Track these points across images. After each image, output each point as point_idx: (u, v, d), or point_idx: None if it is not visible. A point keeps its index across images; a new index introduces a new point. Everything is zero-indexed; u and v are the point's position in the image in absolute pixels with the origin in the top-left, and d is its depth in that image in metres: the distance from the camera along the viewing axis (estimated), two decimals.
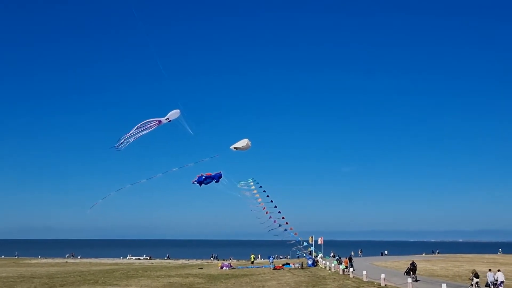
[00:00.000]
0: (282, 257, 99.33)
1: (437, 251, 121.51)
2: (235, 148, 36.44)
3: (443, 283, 35.46)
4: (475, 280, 35.49)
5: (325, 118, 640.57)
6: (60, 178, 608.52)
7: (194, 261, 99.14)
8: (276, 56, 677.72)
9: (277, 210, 62.96)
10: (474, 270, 37.07)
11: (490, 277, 35.78)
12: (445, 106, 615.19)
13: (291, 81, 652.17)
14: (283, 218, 63.20)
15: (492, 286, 35.23)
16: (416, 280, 42.09)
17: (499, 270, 36.34)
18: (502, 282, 34.94)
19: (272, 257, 78.48)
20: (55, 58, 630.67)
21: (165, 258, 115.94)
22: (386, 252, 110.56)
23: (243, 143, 36.71)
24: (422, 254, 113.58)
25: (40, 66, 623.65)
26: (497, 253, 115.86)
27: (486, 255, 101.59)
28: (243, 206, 60.57)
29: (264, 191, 62.55)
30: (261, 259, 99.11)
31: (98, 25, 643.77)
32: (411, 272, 44.13)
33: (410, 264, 46.28)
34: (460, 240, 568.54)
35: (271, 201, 62.74)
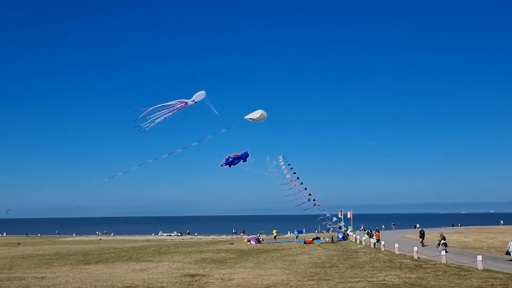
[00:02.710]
0: (317, 231, 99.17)
1: (458, 224, 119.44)
2: (250, 118, 35.71)
3: (478, 255, 35.05)
4: (442, 241, 43.94)
5: (350, 93, 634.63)
6: (89, 157, 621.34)
7: (224, 237, 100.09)
8: (303, 33, 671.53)
9: (303, 187, 62.74)
10: (441, 234, 46.29)
11: (511, 246, 36.90)
12: (469, 80, 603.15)
13: (319, 57, 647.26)
14: (310, 194, 62.97)
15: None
16: (424, 245, 50.00)
17: None
18: None
19: (298, 231, 77.98)
20: (76, 34, 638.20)
21: (187, 233, 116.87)
22: (418, 225, 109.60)
23: (257, 114, 35.94)
24: (441, 227, 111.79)
25: (69, 41, 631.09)
26: (499, 225, 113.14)
27: None
28: (270, 182, 60.50)
29: (291, 168, 62.54)
30: (290, 234, 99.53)
31: (118, 3, 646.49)
32: (421, 239, 52.71)
33: (420, 232, 54.99)
34: (492, 211, 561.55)
35: (297, 178, 62.60)
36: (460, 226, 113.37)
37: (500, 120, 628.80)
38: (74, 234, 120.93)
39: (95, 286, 26.00)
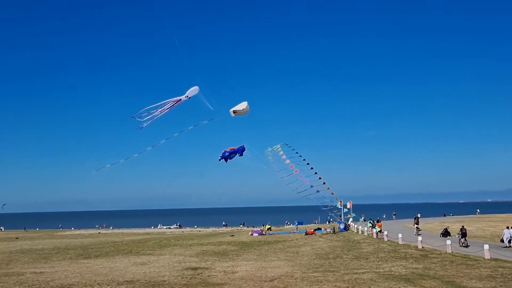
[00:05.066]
0: (316, 221, 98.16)
1: (451, 214, 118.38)
2: (234, 111, 34.49)
3: (483, 243, 34.56)
4: (416, 225, 55.23)
5: (348, 83, 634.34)
6: (86, 152, 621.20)
7: (224, 229, 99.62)
8: (299, 23, 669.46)
9: (312, 172, 62.46)
10: (417, 218, 60.18)
11: (506, 234, 37.96)
12: (467, 68, 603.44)
13: (316, 48, 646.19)
14: (320, 178, 62.65)
15: (507, 241, 37.39)
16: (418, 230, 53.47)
17: None
18: None
19: (298, 222, 76.68)
20: (67, 33, 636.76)
21: (178, 226, 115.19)
22: (419, 215, 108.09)
23: (243, 105, 34.79)
24: (430, 217, 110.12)
25: (61, 40, 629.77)
26: (476, 213, 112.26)
27: None
28: (269, 173, 60.08)
29: (297, 152, 62.29)
30: (289, 225, 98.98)
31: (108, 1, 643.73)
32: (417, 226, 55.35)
33: (414, 219, 60.60)
34: (489, 200, 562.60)
35: (307, 163, 62.32)
36: (452, 215, 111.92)
37: (496, 110, 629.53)
38: (73, 228, 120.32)
39: (95, 281, 25.36)
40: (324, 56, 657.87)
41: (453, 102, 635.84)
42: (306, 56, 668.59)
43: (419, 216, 66.65)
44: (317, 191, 62.51)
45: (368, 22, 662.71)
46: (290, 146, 63.14)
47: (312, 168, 62.62)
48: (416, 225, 55.90)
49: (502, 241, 38.23)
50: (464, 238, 39.07)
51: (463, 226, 41.10)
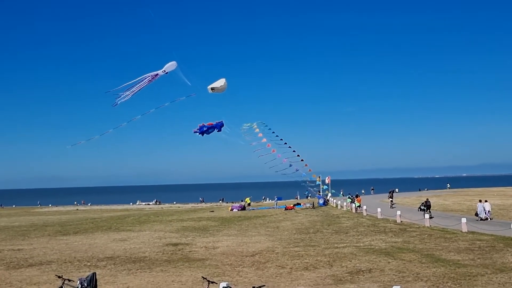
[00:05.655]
0: (297, 197, 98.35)
1: (425, 189, 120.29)
2: (212, 88, 34.06)
3: (460, 217, 35.20)
4: (390, 199, 57.75)
5: (324, 58, 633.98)
6: (62, 128, 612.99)
7: (203, 205, 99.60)
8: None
9: (290, 150, 62.05)
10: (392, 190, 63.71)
11: (479, 207, 39.22)
12: (443, 41, 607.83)
13: (291, 22, 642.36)
14: (298, 156, 62.39)
15: (481, 215, 38.49)
16: (392, 205, 56.11)
17: (486, 201, 39.87)
18: (488, 211, 38.78)
19: (277, 198, 76.84)
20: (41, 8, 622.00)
21: (155, 202, 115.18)
22: (397, 189, 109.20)
23: (221, 82, 34.42)
24: (412, 191, 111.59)
25: (32, 15, 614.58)
26: (446, 188, 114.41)
27: (495, 188, 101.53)
28: (246, 150, 59.50)
29: (273, 132, 61.60)
30: (269, 200, 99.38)
31: None
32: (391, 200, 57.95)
33: (389, 192, 62.02)
34: (464, 174, 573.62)
35: (285, 143, 61.82)
36: (427, 190, 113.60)
37: (471, 83, 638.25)
38: (50, 205, 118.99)
39: (74, 258, 25.12)
40: (301, 32, 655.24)
41: (428, 76, 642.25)
42: (283, 32, 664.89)
43: (397, 191, 67.71)
44: (296, 170, 62.33)
45: None
46: (266, 126, 62.30)
47: (290, 147, 62.26)
48: (390, 199, 57.95)
49: (476, 214, 39.01)
50: (428, 210, 41.27)
51: (427, 199, 44.60)
